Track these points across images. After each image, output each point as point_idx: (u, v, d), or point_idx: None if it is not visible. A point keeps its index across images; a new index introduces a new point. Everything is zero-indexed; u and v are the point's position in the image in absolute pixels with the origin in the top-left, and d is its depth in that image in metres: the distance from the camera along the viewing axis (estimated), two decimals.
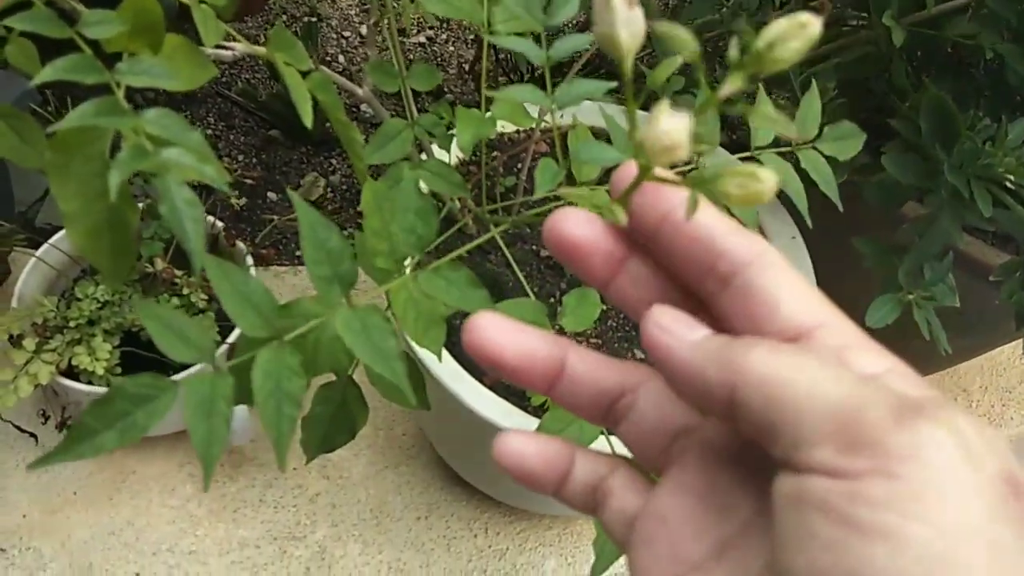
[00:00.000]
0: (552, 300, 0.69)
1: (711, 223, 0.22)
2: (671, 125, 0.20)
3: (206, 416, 0.30)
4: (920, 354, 0.63)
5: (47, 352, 0.66)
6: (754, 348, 0.20)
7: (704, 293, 0.23)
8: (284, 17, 1.38)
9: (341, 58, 1.32)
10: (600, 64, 1.09)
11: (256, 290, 0.33)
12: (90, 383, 0.67)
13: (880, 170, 0.60)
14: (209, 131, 1.20)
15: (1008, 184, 0.53)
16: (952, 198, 0.56)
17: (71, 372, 0.68)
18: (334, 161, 1.22)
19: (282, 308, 0.39)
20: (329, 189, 1.19)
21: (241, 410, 0.72)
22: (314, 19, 1.25)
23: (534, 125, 0.52)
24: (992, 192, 0.54)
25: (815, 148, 0.43)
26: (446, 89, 1.30)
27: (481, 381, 0.61)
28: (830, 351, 0.21)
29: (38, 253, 0.71)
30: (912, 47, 0.60)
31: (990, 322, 0.74)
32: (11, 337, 0.66)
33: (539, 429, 0.47)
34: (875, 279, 0.63)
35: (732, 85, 0.20)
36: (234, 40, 0.47)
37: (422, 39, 1.41)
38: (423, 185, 0.53)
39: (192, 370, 0.68)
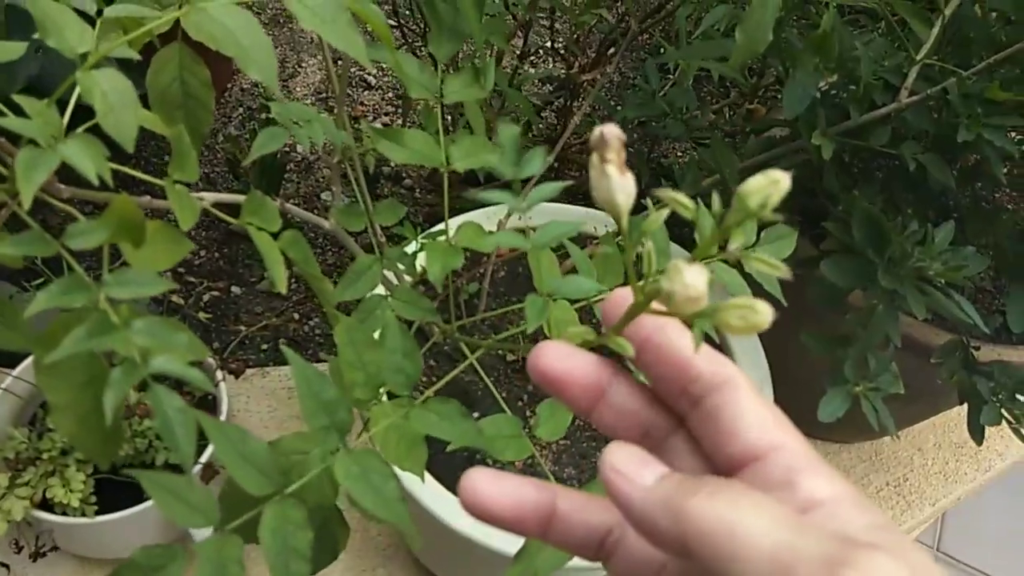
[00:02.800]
0: (520, 403, 0.71)
1: (687, 348, 0.24)
2: (694, 279, 0.22)
3: None
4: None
5: (21, 487, 0.66)
6: (696, 495, 0.21)
7: (679, 410, 0.26)
8: (241, 110, 1.40)
9: (299, 148, 1.35)
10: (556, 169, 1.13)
11: (256, 450, 0.34)
12: (65, 514, 0.67)
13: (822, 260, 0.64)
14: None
15: (938, 284, 0.57)
16: (888, 295, 0.59)
17: (45, 503, 0.68)
18: None
19: (272, 448, 0.41)
20: (293, 279, 1.21)
21: None
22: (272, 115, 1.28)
23: (490, 251, 0.55)
24: (924, 291, 0.58)
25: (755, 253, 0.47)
26: (416, 187, 1.33)
27: (452, 491, 0.63)
28: (781, 474, 0.22)
29: (4, 385, 0.72)
30: (842, 153, 0.64)
31: (935, 393, 0.78)
32: None
33: (525, 544, 0.48)
34: (823, 368, 0.66)
35: (737, 240, 0.23)
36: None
37: None
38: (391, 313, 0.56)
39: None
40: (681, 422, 0.26)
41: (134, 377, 0.29)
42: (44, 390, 0.35)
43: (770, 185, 0.22)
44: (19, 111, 0.33)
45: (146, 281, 0.32)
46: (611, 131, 0.24)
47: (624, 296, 0.25)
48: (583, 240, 0.84)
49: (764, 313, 0.22)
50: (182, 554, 0.29)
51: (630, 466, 0.23)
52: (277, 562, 0.30)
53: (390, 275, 0.68)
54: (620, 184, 0.24)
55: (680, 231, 1.16)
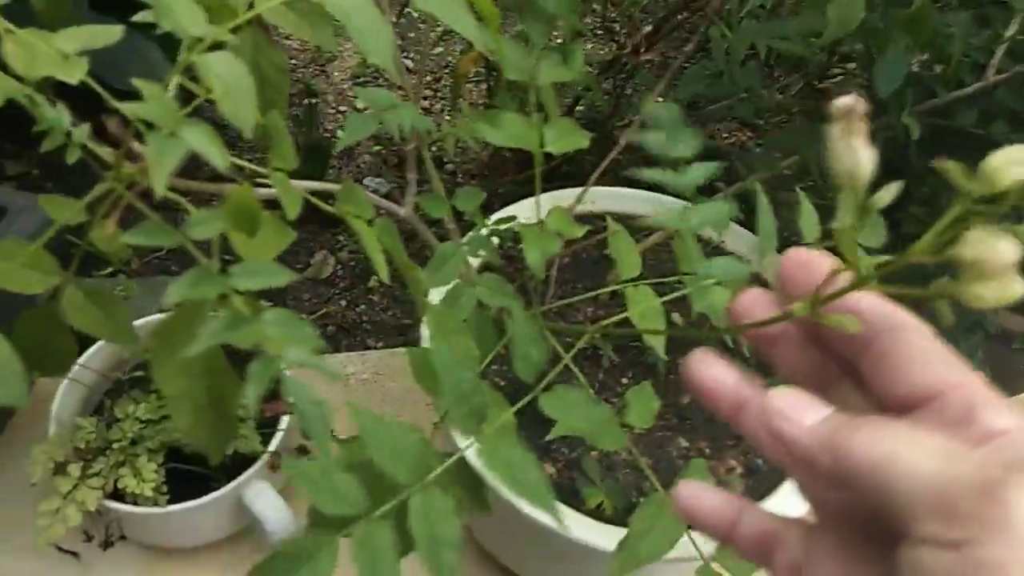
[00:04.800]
0: (592, 391, 0.70)
1: (855, 294, 0.24)
2: (1006, 246, 0.21)
3: (372, 563, 0.30)
4: None
5: (92, 477, 0.66)
6: (859, 431, 0.22)
7: (848, 356, 0.26)
8: None
9: (340, 133, 1.34)
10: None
11: (410, 443, 0.34)
12: (136, 503, 0.67)
13: (903, 245, 0.63)
14: None
15: None
16: None
17: (116, 493, 0.68)
18: (341, 238, 1.23)
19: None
20: (339, 266, 1.20)
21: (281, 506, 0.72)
22: (313, 100, 1.27)
23: (579, 235, 0.54)
24: None
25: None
26: (458, 171, 1.32)
27: None
28: (960, 410, 0.22)
29: (71, 374, 0.71)
30: (926, 132, 0.62)
31: (1013, 377, 0.76)
32: (55, 464, 0.66)
33: (629, 533, 0.48)
34: None
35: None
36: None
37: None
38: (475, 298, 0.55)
39: (242, 478, 0.68)
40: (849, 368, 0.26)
41: (272, 370, 0.28)
42: (160, 383, 0.35)
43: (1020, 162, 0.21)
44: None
45: (271, 272, 0.31)
46: (858, 102, 0.24)
47: (801, 258, 0.26)
48: (638, 229, 0.82)
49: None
50: (330, 544, 0.28)
51: (792, 408, 0.24)
52: (428, 552, 0.30)
53: None
54: (864, 156, 0.24)
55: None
